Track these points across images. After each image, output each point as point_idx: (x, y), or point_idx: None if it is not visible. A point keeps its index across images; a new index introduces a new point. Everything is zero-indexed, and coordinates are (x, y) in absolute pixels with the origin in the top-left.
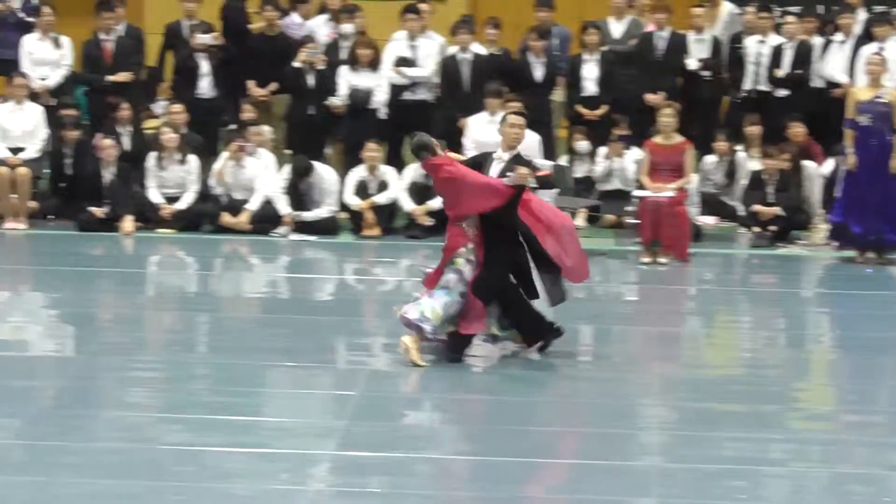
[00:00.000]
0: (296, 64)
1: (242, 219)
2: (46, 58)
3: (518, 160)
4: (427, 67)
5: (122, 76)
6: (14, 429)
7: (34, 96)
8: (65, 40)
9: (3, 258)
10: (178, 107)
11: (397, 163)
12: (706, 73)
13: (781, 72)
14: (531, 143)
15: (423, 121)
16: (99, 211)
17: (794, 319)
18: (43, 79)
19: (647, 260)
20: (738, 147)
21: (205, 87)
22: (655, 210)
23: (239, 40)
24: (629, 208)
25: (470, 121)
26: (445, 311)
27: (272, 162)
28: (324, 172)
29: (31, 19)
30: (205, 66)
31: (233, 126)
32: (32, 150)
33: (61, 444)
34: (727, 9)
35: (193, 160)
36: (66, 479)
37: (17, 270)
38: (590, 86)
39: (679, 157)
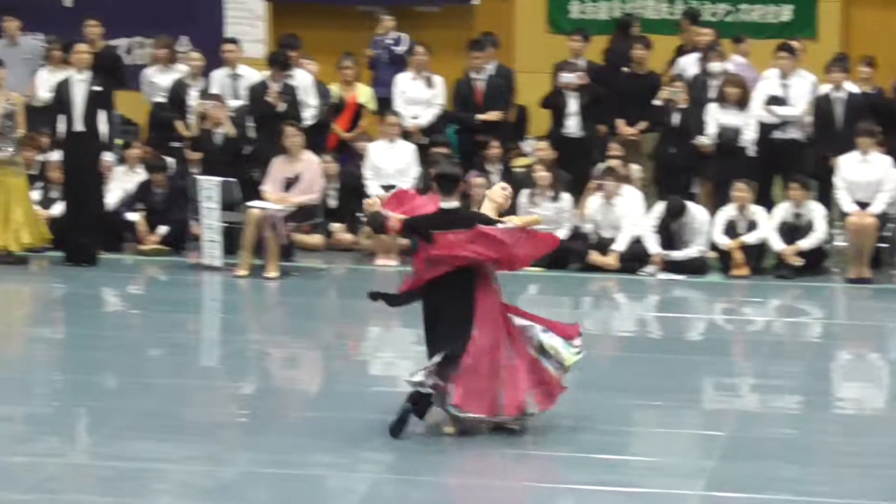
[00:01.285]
0: (656, 102)
1: (610, 259)
2: (419, 97)
3: None
4: (799, 106)
5: (493, 115)
6: (385, 463)
7: (406, 134)
8: (437, 80)
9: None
10: (543, 144)
11: (767, 202)
12: None
13: None
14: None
15: (794, 160)
16: None
17: None
18: (415, 118)
19: None
20: None
21: (572, 125)
22: None
23: (612, 80)
24: None
25: (841, 160)
26: None
27: (640, 200)
28: (696, 212)
29: (399, 52)
30: (573, 104)
31: (601, 164)
32: (406, 188)
33: (430, 481)
34: None
35: (566, 197)
36: None
37: (387, 308)
38: None
39: None
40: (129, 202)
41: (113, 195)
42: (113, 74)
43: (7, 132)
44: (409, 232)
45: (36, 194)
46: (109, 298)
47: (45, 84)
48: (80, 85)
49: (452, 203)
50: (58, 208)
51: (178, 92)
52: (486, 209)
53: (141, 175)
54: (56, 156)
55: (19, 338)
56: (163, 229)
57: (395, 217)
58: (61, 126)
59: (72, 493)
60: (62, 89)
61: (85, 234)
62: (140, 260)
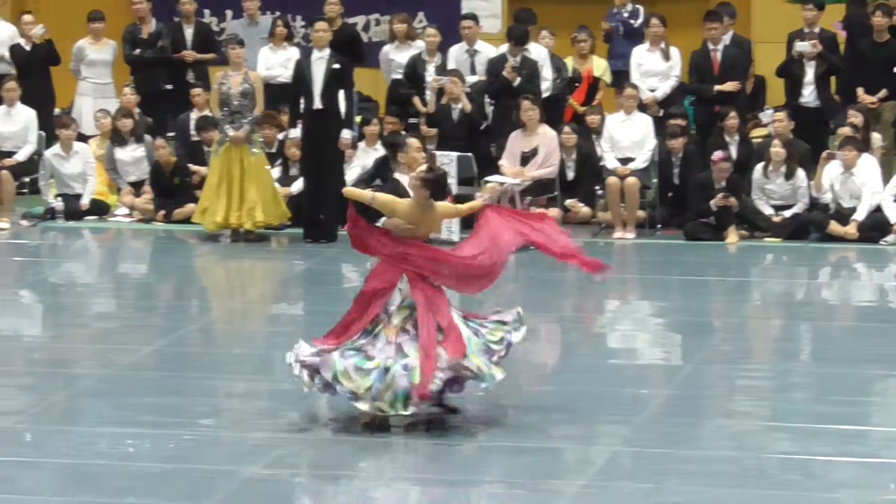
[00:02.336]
0: None
1: (850, 228)
2: (656, 69)
3: None
4: None
5: (730, 86)
6: (622, 435)
7: (643, 107)
8: (674, 51)
9: (613, 267)
10: (780, 114)
11: None
12: None
13: None
14: None
15: None
16: (708, 220)
17: None
18: (652, 90)
19: None
20: None
21: (808, 94)
22: None
23: (850, 48)
24: None
25: None
26: None
27: (878, 170)
28: None
29: (635, 24)
30: (809, 73)
31: (840, 131)
32: (641, 160)
33: (668, 452)
34: None
35: (801, 174)
36: (673, 487)
37: (625, 279)
38: None
39: None
40: (368, 178)
41: (352, 172)
42: (352, 52)
43: (244, 111)
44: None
45: (276, 172)
46: (349, 275)
47: (265, 62)
48: (320, 63)
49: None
50: (297, 185)
51: (414, 68)
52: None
53: (379, 152)
54: (295, 133)
55: (259, 314)
56: None
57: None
58: (301, 104)
59: (308, 468)
60: (302, 67)
61: (324, 211)
62: None
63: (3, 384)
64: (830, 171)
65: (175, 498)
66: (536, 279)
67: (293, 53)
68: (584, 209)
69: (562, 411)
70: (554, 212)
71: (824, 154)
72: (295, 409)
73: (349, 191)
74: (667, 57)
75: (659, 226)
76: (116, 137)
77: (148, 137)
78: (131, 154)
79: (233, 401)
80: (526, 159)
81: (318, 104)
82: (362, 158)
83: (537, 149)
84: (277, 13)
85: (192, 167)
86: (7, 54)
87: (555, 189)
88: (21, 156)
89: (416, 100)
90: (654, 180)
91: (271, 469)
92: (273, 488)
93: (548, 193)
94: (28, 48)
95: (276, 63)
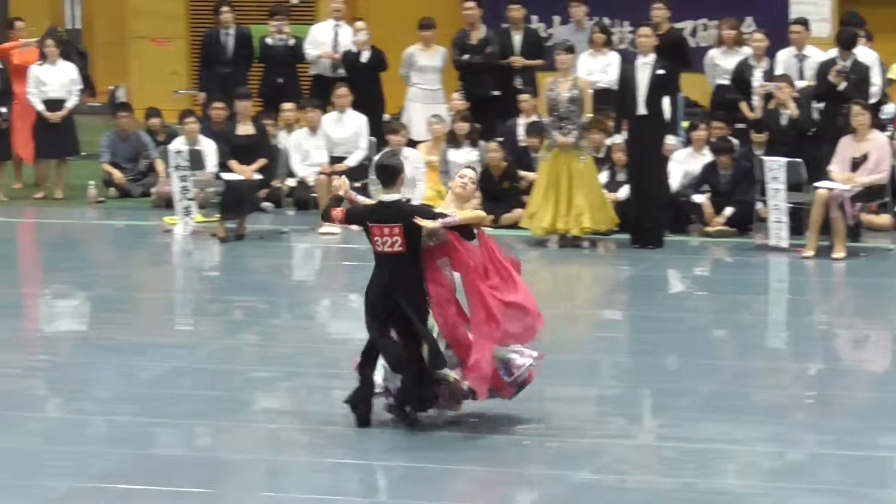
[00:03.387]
0: None
1: None
2: None
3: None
4: None
5: None
6: None
7: None
8: None
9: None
10: None
11: None
12: None
13: None
14: None
15: None
16: None
17: None
18: None
19: None
20: None
21: None
22: None
23: None
24: None
25: None
26: None
27: None
28: None
29: None
30: None
31: None
32: None
33: None
34: None
35: None
36: None
37: None
38: None
39: None
40: (695, 184)
41: (675, 177)
42: (678, 57)
43: (572, 116)
44: (351, 222)
45: (603, 177)
46: (674, 281)
47: (585, 67)
48: (645, 68)
49: (393, 195)
50: (624, 191)
51: (741, 73)
52: (448, 202)
53: (706, 157)
54: (620, 139)
55: (586, 320)
56: (728, 211)
57: (339, 209)
58: (626, 109)
59: (638, 474)
60: (626, 73)
61: (651, 217)
62: (705, 242)
63: (336, 386)
64: None
65: (495, 501)
66: (867, 286)
67: (613, 59)
68: None
69: (894, 418)
70: (885, 219)
71: None
72: (623, 414)
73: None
74: None
75: None
76: (452, 139)
77: (482, 142)
78: (465, 157)
79: (560, 405)
80: (856, 165)
81: (641, 110)
82: (687, 163)
83: (868, 154)
84: (596, 19)
85: (521, 172)
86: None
87: (885, 195)
88: (352, 161)
89: (744, 105)
90: None
91: (599, 474)
92: (599, 495)
93: (878, 199)
94: (358, 54)
95: (596, 68)
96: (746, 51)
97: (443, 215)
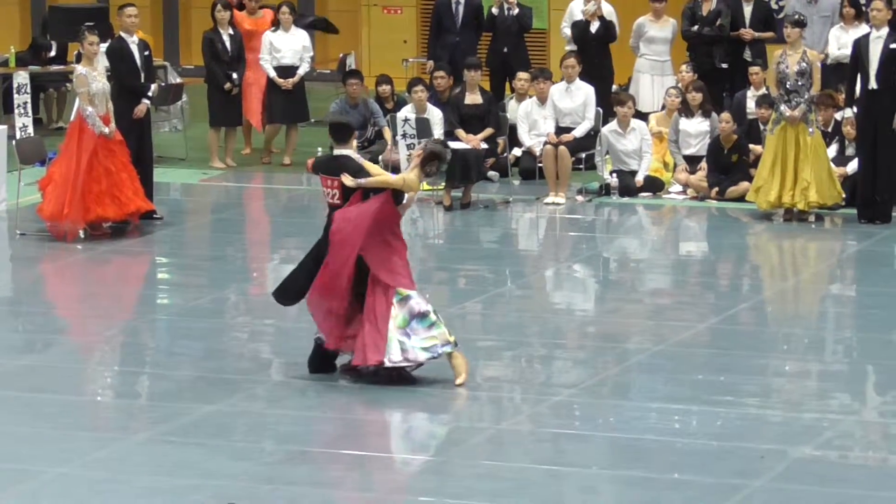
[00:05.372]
0: None
1: None
2: None
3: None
4: None
5: None
6: None
7: None
8: None
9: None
10: None
11: None
12: None
13: None
14: None
15: None
16: None
17: None
18: None
19: None
20: None
21: None
22: None
23: None
24: None
25: None
26: None
27: None
28: None
29: None
30: None
31: None
32: None
33: None
34: None
35: None
36: None
37: None
38: None
39: None
40: None
41: None
42: None
43: (801, 90)
44: (315, 172)
45: (832, 151)
46: None
47: (836, 41)
48: (877, 42)
49: (344, 150)
50: (853, 166)
51: None
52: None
53: None
54: (850, 112)
55: (812, 294)
56: None
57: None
58: (858, 84)
59: (861, 451)
60: (860, 47)
61: (880, 192)
62: None
63: (558, 356)
64: None
65: (723, 475)
66: None
67: (865, 32)
68: None
69: None
70: None
71: None
72: (846, 390)
73: None
74: None
75: None
76: (685, 109)
77: (714, 114)
78: (696, 127)
79: (782, 380)
80: None
81: (873, 84)
82: None
83: None
84: None
85: (750, 146)
86: (569, 32)
87: None
88: (578, 132)
89: None
90: None
91: (822, 450)
92: (823, 470)
93: None
94: (588, 24)
95: (848, 42)
96: None
97: (366, 175)
